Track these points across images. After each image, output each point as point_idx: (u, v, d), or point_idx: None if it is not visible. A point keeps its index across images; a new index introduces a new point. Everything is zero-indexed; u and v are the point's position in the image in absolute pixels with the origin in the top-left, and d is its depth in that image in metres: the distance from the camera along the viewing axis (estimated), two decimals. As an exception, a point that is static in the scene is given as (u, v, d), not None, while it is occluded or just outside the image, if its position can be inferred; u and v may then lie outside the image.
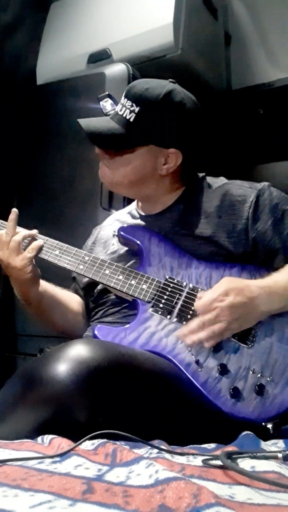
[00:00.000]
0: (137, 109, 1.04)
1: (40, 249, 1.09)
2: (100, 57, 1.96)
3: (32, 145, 2.06)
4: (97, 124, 1.09)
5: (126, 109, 1.05)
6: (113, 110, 1.11)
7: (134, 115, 1.04)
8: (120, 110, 1.07)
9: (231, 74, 2.32)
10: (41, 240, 1.11)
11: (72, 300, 1.24)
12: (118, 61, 1.89)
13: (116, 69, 1.83)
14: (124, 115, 1.06)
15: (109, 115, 1.14)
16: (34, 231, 1.11)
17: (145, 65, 1.89)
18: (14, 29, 2.10)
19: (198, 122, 1.10)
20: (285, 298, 0.98)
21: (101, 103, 1.71)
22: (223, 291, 0.94)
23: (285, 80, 2.16)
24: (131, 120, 1.04)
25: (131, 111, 1.04)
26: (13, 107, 2.09)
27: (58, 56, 2.09)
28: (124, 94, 1.08)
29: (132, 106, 1.04)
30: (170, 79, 1.09)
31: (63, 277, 1.27)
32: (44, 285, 1.15)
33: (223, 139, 2.21)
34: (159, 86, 1.05)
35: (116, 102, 1.66)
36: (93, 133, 1.07)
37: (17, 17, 2.10)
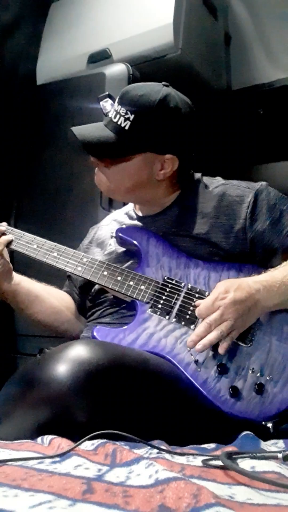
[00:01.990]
0: (132, 117, 1.03)
1: (8, 243, 1.09)
2: (100, 57, 1.96)
3: (32, 145, 2.06)
4: (92, 132, 1.08)
5: (120, 116, 1.04)
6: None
7: (129, 123, 1.03)
8: (115, 117, 1.06)
9: (231, 74, 2.32)
10: (10, 235, 1.10)
11: (53, 296, 1.23)
12: (118, 61, 1.89)
13: (116, 69, 1.83)
14: (118, 123, 1.04)
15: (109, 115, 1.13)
16: (3, 228, 1.11)
17: (145, 65, 1.89)
18: (14, 29, 2.10)
19: (193, 126, 1.09)
20: (282, 293, 0.97)
21: (101, 103, 1.71)
22: (223, 289, 0.93)
23: (285, 80, 2.16)
24: (126, 128, 1.04)
25: (126, 119, 1.03)
26: (13, 107, 2.09)
27: (58, 56, 2.09)
28: (117, 101, 1.07)
29: (126, 113, 1.03)
30: (163, 82, 1.08)
31: (59, 277, 1.27)
32: (19, 279, 1.15)
33: (223, 139, 2.21)
34: (153, 91, 1.04)
35: (116, 103, 1.66)
36: (87, 142, 1.06)
37: (17, 17, 2.10)
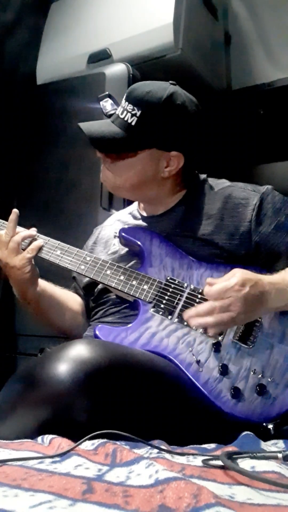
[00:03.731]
0: (138, 113, 1.03)
1: (39, 249, 1.09)
2: (100, 57, 1.96)
3: (32, 145, 2.06)
4: (99, 128, 1.09)
5: (127, 112, 1.05)
6: (113, 110, 1.11)
7: (135, 118, 1.04)
8: (122, 114, 1.06)
9: (231, 74, 2.32)
10: (41, 240, 1.11)
11: (71, 300, 1.24)
12: (118, 61, 1.89)
13: (116, 69, 1.83)
14: (125, 119, 1.05)
15: (109, 115, 1.13)
16: (34, 232, 1.11)
17: (145, 65, 1.89)
18: (14, 29, 2.10)
19: (199, 124, 1.10)
20: None
21: (101, 103, 1.71)
22: (240, 281, 0.89)
23: (285, 80, 2.16)
24: (133, 123, 1.04)
25: (132, 115, 1.04)
26: (13, 107, 2.09)
27: (58, 56, 2.09)
28: (124, 97, 1.07)
29: (133, 109, 1.04)
30: (170, 81, 1.08)
31: (64, 277, 1.27)
32: (43, 284, 1.15)
33: (223, 139, 2.21)
34: (160, 89, 1.04)
35: (116, 102, 1.66)
36: (94, 138, 1.07)
37: (17, 17, 2.10)
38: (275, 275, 0.98)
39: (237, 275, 0.90)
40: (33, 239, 1.10)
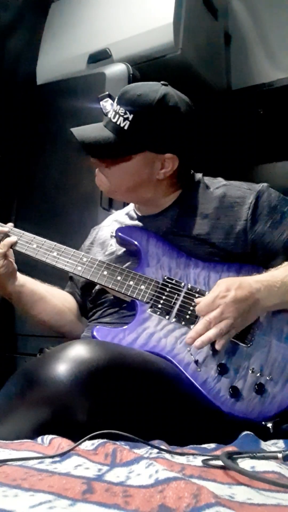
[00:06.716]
0: (131, 117, 1.02)
1: (12, 245, 1.09)
2: (100, 57, 1.96)
3: (32, 145, 2.07)
4: (91, 133, 1.08)
5: (119, 116, 1.04)
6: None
7: (128, 122, 1.03)
8: (114, 118, 1.06)
9: (231, 74, 2.32)
10: (14, 237, 1.10)
11: (58, 297, 1.23)
12: (118, 61, 1.89)
13: (116, 69, 1.83)
14: (118, 123, 1.04)
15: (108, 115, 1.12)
16: (7, 229, 1.11)
17: (145, 65, 1.89)
18: (14, 29, 2.10)
19: (193, 125, 1.09)
20: (283, 293, 0.97)
21: (101, 103, 1.71)
22: (224, 287, 0.92)
23: (285, 80, 2.16)
24: (125, 127, 1.03)
25: (125, 119, 1.03)
26: (13, 107, 2.09)
27: (58, 56, 2.09)
28: (116, 101, 1.06)
29: (125, 113, 1.03)
30: (162, 82, 1.07)
31: (58, 277, 1.27)
32: (23, 280, 1.15)
33: (223, 139, 2.21)
34: (152, 91, 1.04)
35: (116, 102, 1.65)
36: (87, 143, 1.06)
37: (17, 17, 2.10)
38: (263, 274, 1.00)
39: (220, 284, 0.94)
40: (5, 234, 1.10)
